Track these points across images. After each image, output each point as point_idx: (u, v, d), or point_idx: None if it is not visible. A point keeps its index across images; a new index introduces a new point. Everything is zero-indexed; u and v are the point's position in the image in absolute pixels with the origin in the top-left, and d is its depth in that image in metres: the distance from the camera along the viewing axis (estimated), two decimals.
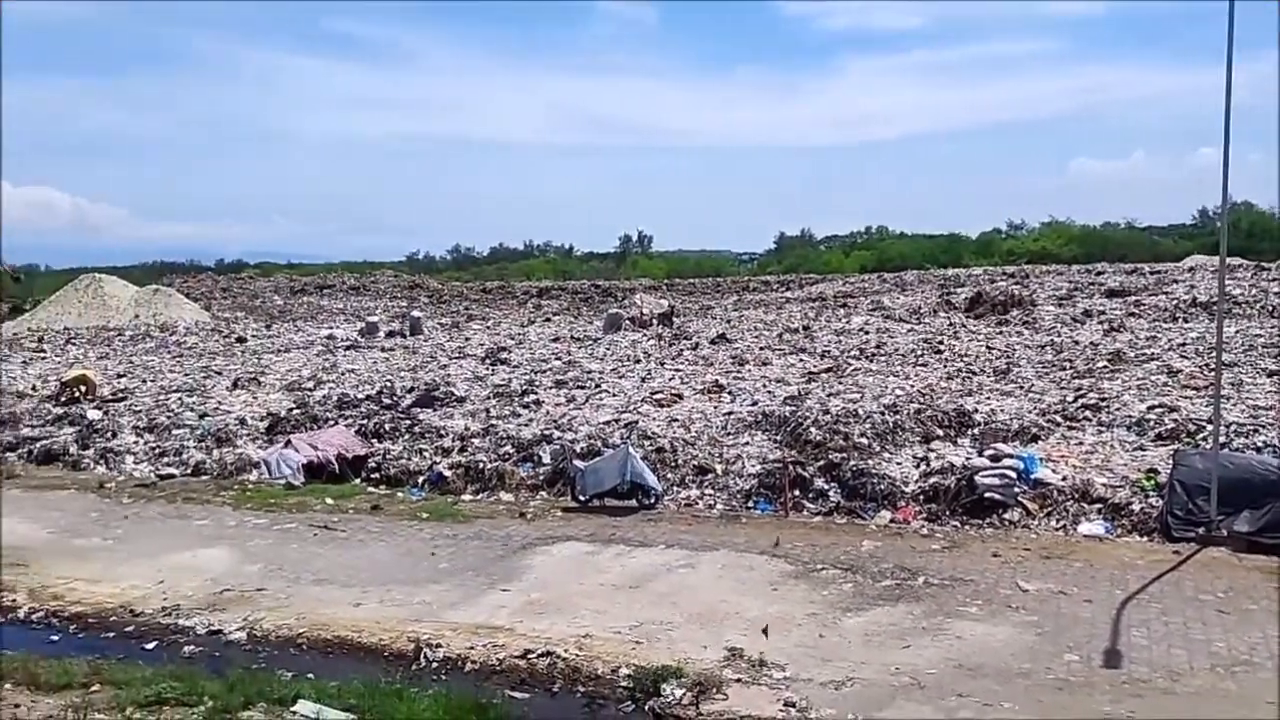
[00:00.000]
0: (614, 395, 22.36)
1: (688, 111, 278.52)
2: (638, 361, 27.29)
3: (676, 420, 19.49)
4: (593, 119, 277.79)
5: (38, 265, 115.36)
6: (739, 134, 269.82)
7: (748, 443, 18.04)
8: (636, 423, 19.28)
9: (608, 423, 19.69)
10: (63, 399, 26.05)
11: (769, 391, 21.45)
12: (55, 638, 11.99)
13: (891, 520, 14.86)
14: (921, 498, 15.27)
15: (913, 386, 20.86)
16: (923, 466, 16.22)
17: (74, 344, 43.16)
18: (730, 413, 19.78)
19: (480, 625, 11.23)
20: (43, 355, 38.94)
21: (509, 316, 49.11)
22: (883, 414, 18.20)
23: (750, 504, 15.93)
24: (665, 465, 17.21)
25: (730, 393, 21.73)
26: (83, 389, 26.31)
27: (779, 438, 17.94)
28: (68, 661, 10.21)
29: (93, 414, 23.80)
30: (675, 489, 16.68)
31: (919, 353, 25.49)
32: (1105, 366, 21.98)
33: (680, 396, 21.66)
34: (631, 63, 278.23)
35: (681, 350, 28.96)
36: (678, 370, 25.24)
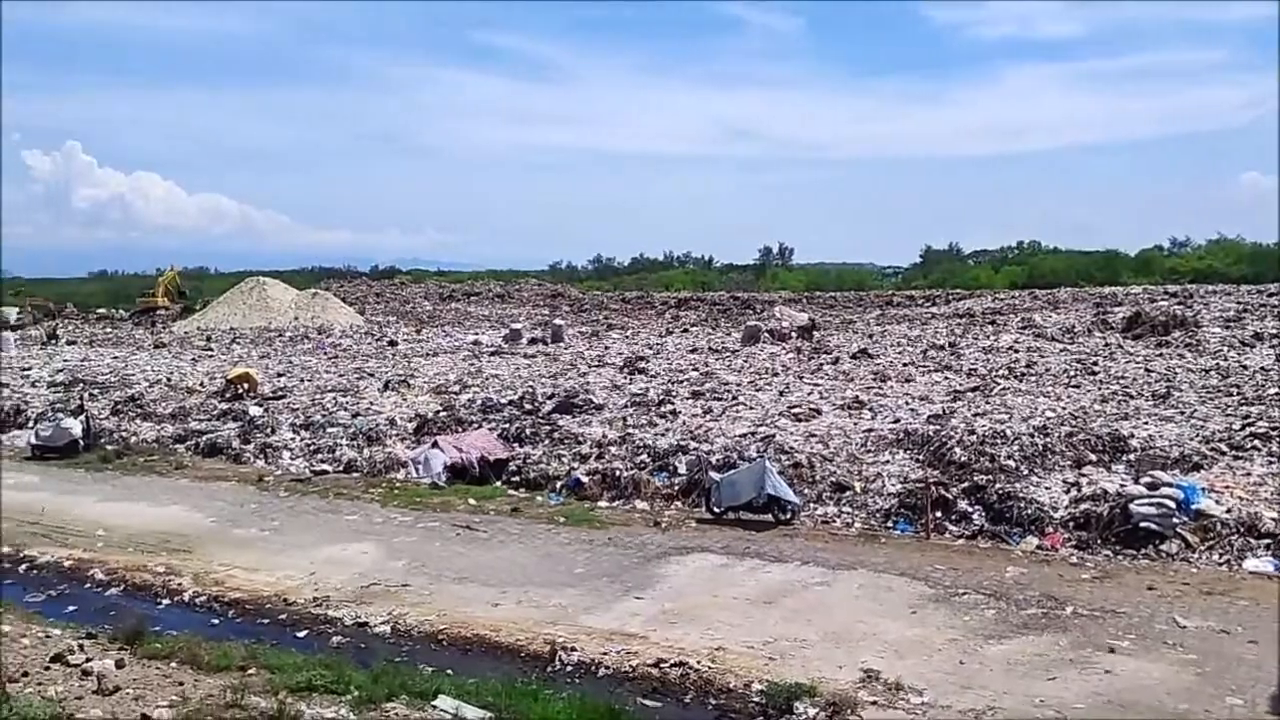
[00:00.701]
0: (751, 408, 22.25)
1: (833, 122, 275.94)
2: (776, 375, 27.09)
3: (815, 435, 19.26)
4: (736, 130, 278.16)
5: (207, 268, 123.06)
6: (886, 145, 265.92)
7: (888, 461, 17.68)
8: (774, 436, 19.13)
9: (744, 435, 19.60)
10: (227, 395, 27.54)
11: (912, 409, 20.97)
12: (216, 621, 12.70)
13: (1038, 546, 14.31)
14: (1071, 524, 14.65)
15: (1064, 408, 20.04)
16: (1073, 492, 15.56)
17: (238, 343, 45.63)
18: (870, 430, 19.42)
19: (614, 631, 11.34)
20: (210, 353, 41.31)
21: (647, 326, 49.51)
22: (1031, 436, 17.56)
23: (889, 524, 15.61)
24: (802, 481, 17.03)
25: (871, 409, 21.34)
26: (246, 386, 27.76)
27: (921, 457, 17.53)
28: (227, 645, 10.79)
29: (254, 410, 25.09)
30: (812, 505, 16.48)
31: (1071, 373, 24.48)
32: (1277, 394, 20.64)
33: (819, 411, 21.40)
34: (777, 74, 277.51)
35: (821, 364, 28.60)
36: (817, 385, 24.94)
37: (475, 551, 14.87)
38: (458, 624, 11.88)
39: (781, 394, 23.71)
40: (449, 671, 10.36)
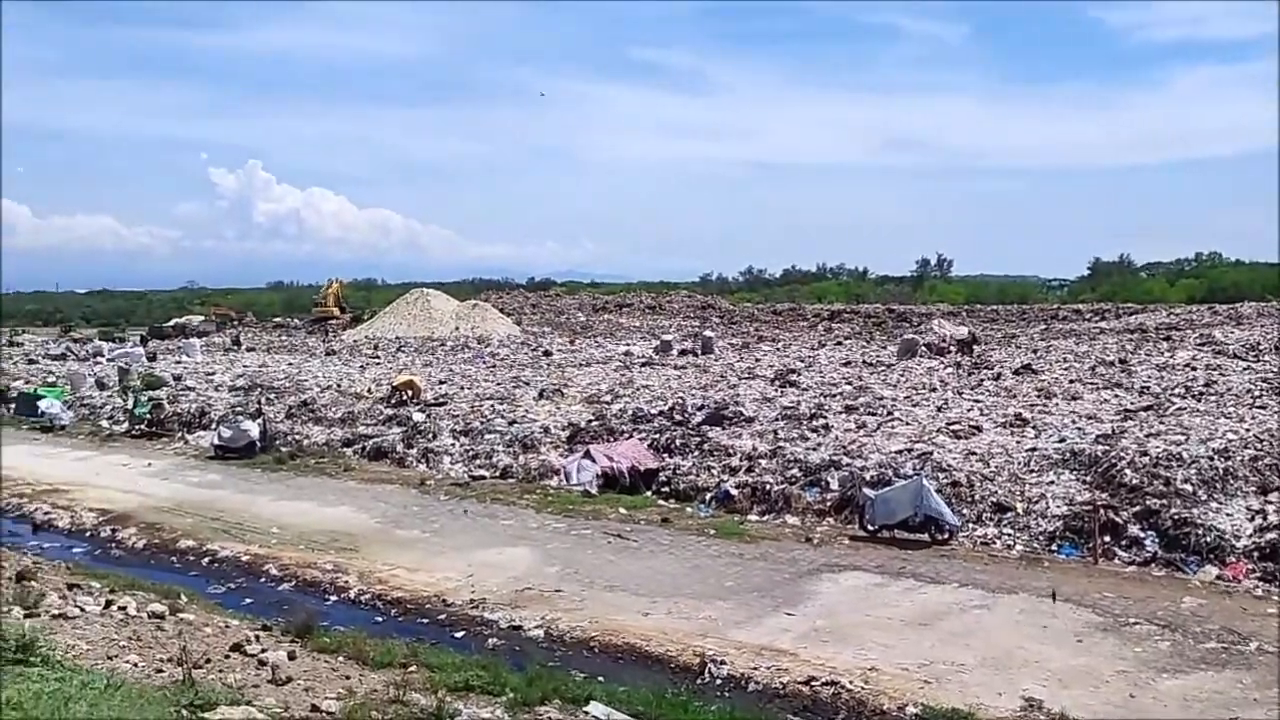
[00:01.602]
0: (907, 424, 21.72)
1: (997, 131, 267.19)
2: (933, 390, 26.37)
3: (974, 453, 18.64)
4: (893, 140, 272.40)
5: (375, 280, 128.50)
6: (1050, 153, 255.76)
7: (1053, 481, 16.95)
8: (931, 454, 18.61)
9: (899, 452, 19.14)
10: (393, 401, 28.67)
11: (1079, 428, 20.04)
12: (379, 619, 13.23)
13: (1218, 577, 13.44)
14: (1256, 554, 13.71)
15: (1248, 430, 18.76)
16: (1258, 520, 14.56)
17: (403, 352, 47.46)
18: (1034, 449, 18.66)
19: (764, 646, 11.25)
20: (377, 361, 43.12)
21: (799, 339, 48.99)
22: (1211, 459, 16.52)
23: (1053, 547, 14.96)
24: (960, 500, 16.51)
25: (1035, 427, 20.50)
26: (410, 393, 28.84)
27: (1089, 478, 16.73)
28: (390, 642, 11.23)
29: (417, 416, 26.03)
30: (970, 525, 15.95)
31: (1256, 393, 22.90)
32: None
33: (979, 429, 20.71)
34: (938, 82, 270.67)
35: (982, 380, 27.68)
36: (977, 401, 24.14)
37: (626, 560, 15.00)
38: (609, 631, 12.02)
39: (939, 410, 23.06)
40: (600, 678, 10.50)
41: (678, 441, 21.15)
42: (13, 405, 32.45)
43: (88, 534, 18.54)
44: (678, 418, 23.48)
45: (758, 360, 37.39)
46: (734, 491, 18.36)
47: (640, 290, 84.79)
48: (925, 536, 15.48)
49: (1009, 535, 15.52)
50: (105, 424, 29.67)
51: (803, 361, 35.75)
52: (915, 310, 61.84)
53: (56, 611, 11.38)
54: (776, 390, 27.54)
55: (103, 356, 47.22)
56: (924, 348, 36.31)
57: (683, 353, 41.15)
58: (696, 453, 20.54)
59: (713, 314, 65.36)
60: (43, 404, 30.81)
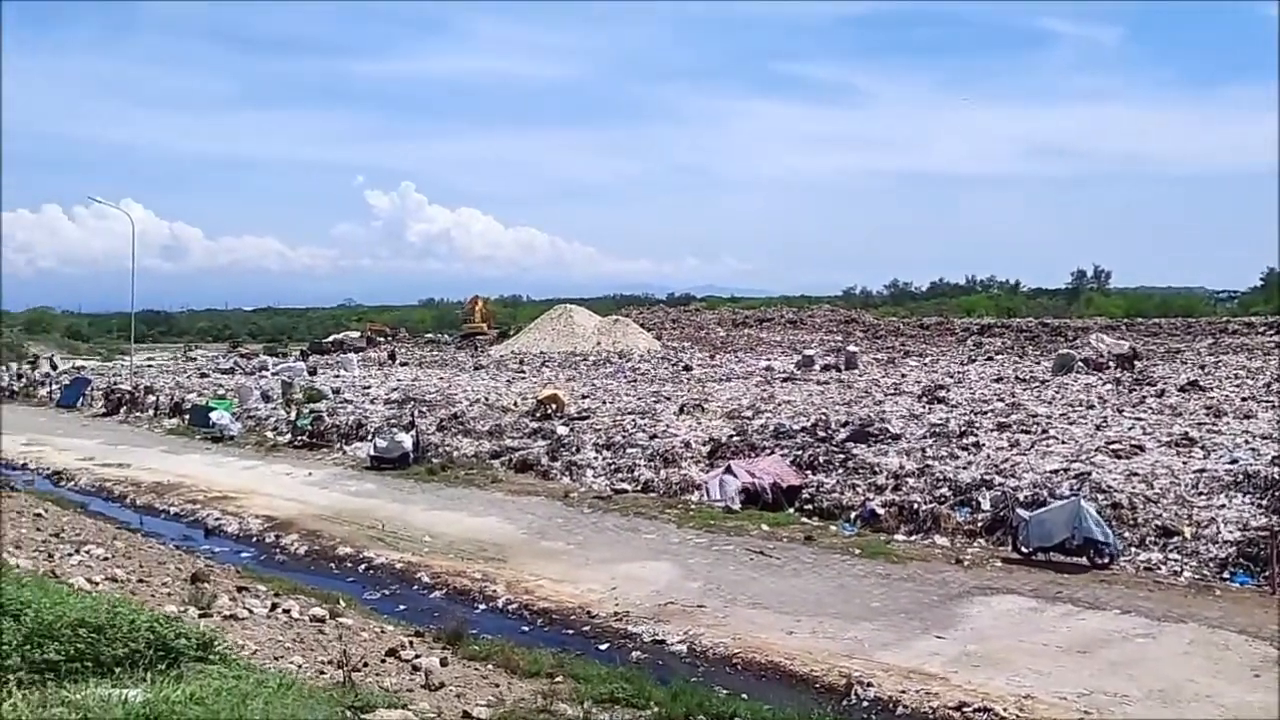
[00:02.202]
0: (1063, 442, 20.88)
1: (1159, 136, 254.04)
2: (1091, 407, 25.29)
3: (1136, 474, 17.77)
4: (1046, 148, 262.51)
5: (520, 296, 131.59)
6: (1219, 158, 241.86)
7: (1224, 505, 16.00)
8: (1089, 474, 17.83)
9: (1055, 471, 18.40)
10: (537, 415, 29.25)
11: (1253, 449, 18.87)
12: (526, 629, 13.49)
13: None
14: None
15: None
16: None
17: (547, 366, 48.40)
18: (1203, 470, 17.67)
19: (912, 670, 10.98)
20: (522, 375, 44.11)
21: (947, 354, 47.73)
22: None
23: (1226, 574, 14.10)
24: (1121, 523, 15.74)
25: (1204, 447, 19.41)
26: (554, 407, 29.37)
27: (1265, 502, 15.73)
28: (537, 652, 11.45)
29: (561, 430, 26.49)
30: (1133, 550, 15.19)
31: None
32: None
33: (1141, 448, 19.73)
34: (1094, 87, 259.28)
35: (1144, 397, 26.41)
36: (1139, 419, 23.02)
37: (768, 577, 14.89)
38: (752, 649, 11.94)
39: (1098, 428, 22.10)
40: (744, 695, 10.44)
41: (821, 458, 20.88)
42: (188, 416, 34.59)
43: (254, 539, 19.54)
44: (821, 434, 23.19)
45: (904, 376, 36.62)
46: (880, 510, 17.99)
47: (781, 305, 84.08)
48: (1084, 560, 14.82)
49: (1175, 561, 14.72)
50: (270, 435, 31.22)
51: (952, 377, 34.83)
52: (1071, 324, 59.30)
53: (228, 612, 12.08)
54: (924, 407, 26.91)
55: (267, 371, 49.77)
56: (1081, 363, 34.90)
57: (825, 368, 40.63)
58: (840, 470, 20.23)
59: (856, 328, 64.27)
60: (214, 415, 32.69)
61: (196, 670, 5.10)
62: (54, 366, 57.37)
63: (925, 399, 28.28)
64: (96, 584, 12.92)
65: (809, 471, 20.48)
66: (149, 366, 57.17)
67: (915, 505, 17.83)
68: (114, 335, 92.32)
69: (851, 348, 45.14)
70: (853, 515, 18.26)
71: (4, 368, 56.00)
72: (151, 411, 37.77)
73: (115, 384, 43.75)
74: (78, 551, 15.76)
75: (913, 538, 17.05)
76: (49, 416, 39.94)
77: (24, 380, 50.26)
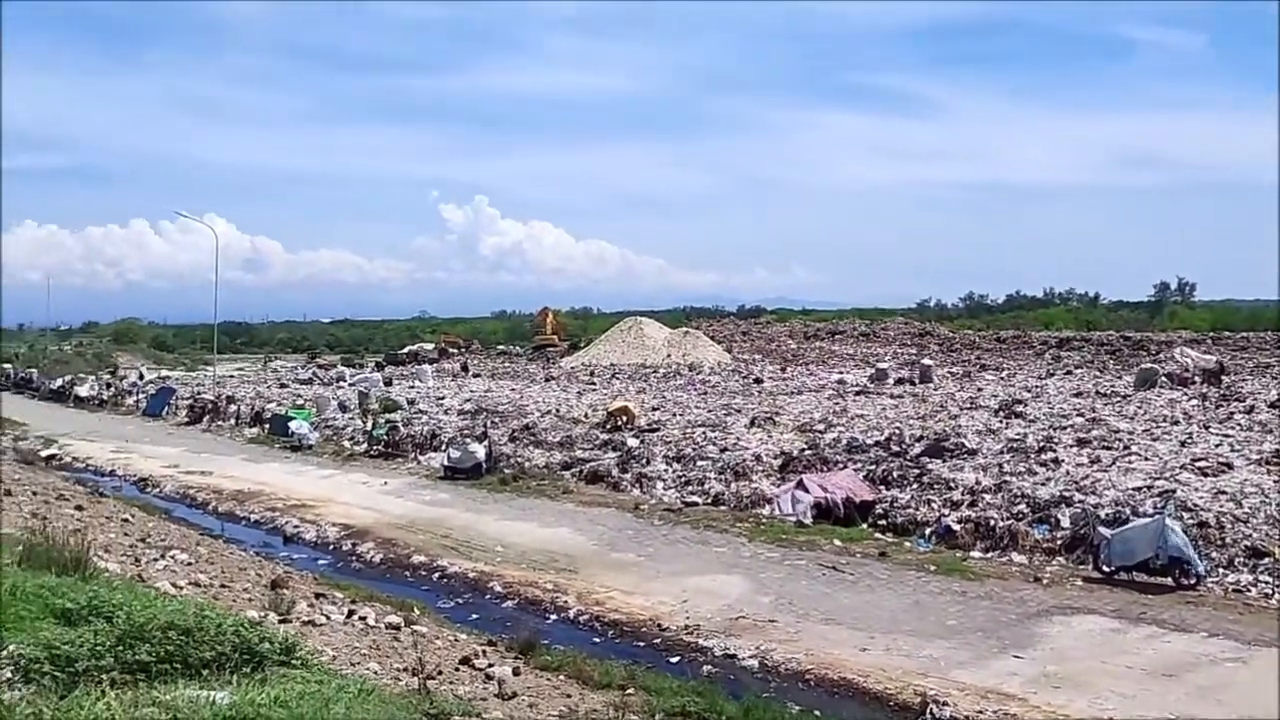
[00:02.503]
0: (1146, 459, 20.31)
1: (1238, 145, 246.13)
2: (1176, 423, 24.57)
3: (1224, 493, 17.21)
4: (1126, 157, 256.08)
5: (590, 308, 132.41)
6: None
7: None
8: (1174, 491, 17.32)
9: (1138, 489, 17.91)
10: (608, 427, 29.36)
11: None
12: (597, 640, 13.53)
13: None
14: None
15: None
16: None
17: (617, 378, 48.55)
18: None
19: (990, 689, 10.77)
20: (593, 387, 44.31)
21: (1025, 367, 46.76)
22: None
23: None
24: (1208, 543, 15.26)
25: None
26: (624, 419, 29.45)
27: None
28: (608, 663, 11.47)
29: (631, 442, 26.54)
30: (1220, 570, 14.71)
31: None
32: None
33: (1229, 466, 19.11)
34: (1177, 95, 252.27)
35: (1232, 413, 25.56)
36: (1226, 436, 22.30)
37: (841, 593, 14.73)
38: (824, 665, 11.82)
39: (1183, 445, 21.45)
40: (816, 712, 10.37)
41: (895, 473, 20.61)
42: (268, 425, 35.43)
43: (331, 547, 19.94)
44: (895, 448, 22.90)
45: (980, 390, 35.98)
46: (955, 526, 17.69)
47: (853, 317, 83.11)
48: (1168, 580, 14.39)
49: (1267, 583, 14.21)
50: (346, 444, 31.82)
51: (1029, 391, 34.12)
52: (1153, 338, 57.67)
53: (306, 618, 12.31)
54: (1001, 421, 26.41)
55: (344, 381, 50.72)
56: (1164, 378, 33.90)
57: (899, 381, 40.10)
58: (915, 485, 19.94)
59: (930, 341, 63.32)
60: (293, 425, 33.42)
61: (280, 674, 5.22)
62: (141, 376, 59.22)
63: (1002, 414, 27.74)
64: (181, 588, 13.26)
65: (882, 486, 20.23)
66: (231, 376, 58.68)
67: (992, 522, 17.50)
68: (197, 346, 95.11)
69: (926, 361, 44.46)
70: (927, 531, 17.99)
71: (94, 377, 58.11)
72: (233, 420, 38.77)
73: (199, 393, 45.04)
74: (163, 556, 16.21)
75: (989, 555, 16.73)
76: (136, 425, 41.24)
77: (112, 389, 51.94)
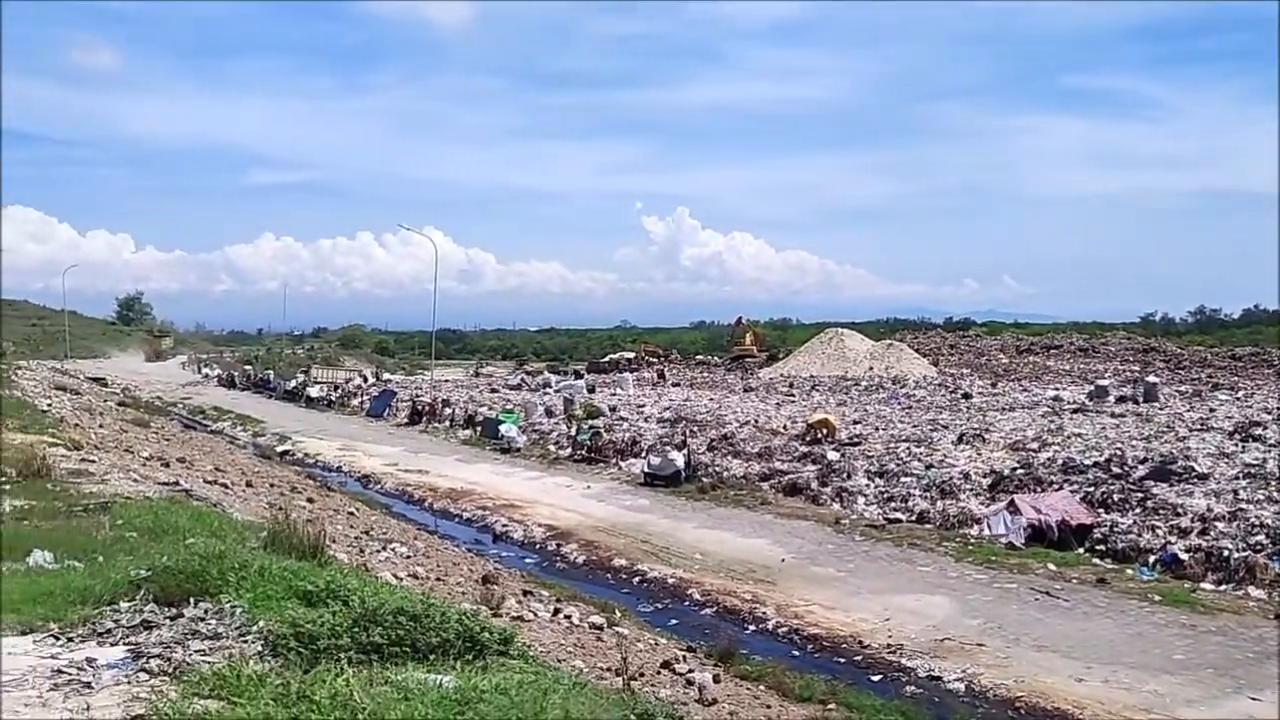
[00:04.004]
0: None
1: None
2: None
3: None
4: None
5: (789, 319, 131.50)
6: None
7: None
8: None
9: None
10: (808, 439, 29.04)
11: None
12: (795, 653, 13.43)
13: None
14: None
15: None
16: None
17: (817, 390, 47.96)
18: None
19: None
20: (792, 398, 43.95)
21: (1264, 387, 43.11)
22: None
23: None
24: None
25: None
26: (825, 431, 29.07)
27: None
28: (809, 677, 11.38)
29: (832, 455, 26.17)
30: None
31: None
32: None
33: None
34: None
35: None
36: None
37: (1055, 619, 14.04)
38: (1036, 693, 11.32)
39: None
40: None
41: (1115, 496, 19.45)
42: (479, 428, 37.06)
43: (536, 546, 20.65)
44: (1115, 470, 21.59)
45: (1212, 410, 33.40)
46: (1183, 555, 16.52)
47: (1070, 331, 78.93)
48: None
49: None
50: (552, 448, 32.86)
51: (1269, 413, 31.43)
52: None
53: (514, 614, 12.83)
54: (1236, 444, 24.44)
55: (550, 388, 52.39)
56: None
57: (1121, 399, 37.78)
58: (1138, 510, 18.75)
59: (1156, 358, 59.36)
60: (502, 428, 34.85)
61: (499, 663, 5.50)
62: (365, 379, 63.20)
63: (1238, 436, 25.65)
64: (400, 579, 14.08)
65: (1101, 510, 19.13)
66: (445, 381, 61.70)
67: (1225, 552, 16.24)
68: (415, 351, 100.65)
69: (1151, 378, 41.74)
70: (1151, 559, 16.88)
71: (304, 376, 63.09)
72: (447, 423, 40.75)
73: (417, 396, 47.58)
74: (384, 548, 17.25)
75: (1222, 587, 15.53)
76: (360, 424, 44.01)
77: (339, 391, 55.64)
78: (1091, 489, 20.06)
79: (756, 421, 34.05)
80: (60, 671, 5.40)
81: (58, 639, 6.01)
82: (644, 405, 41.00)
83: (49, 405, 32.98)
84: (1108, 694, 11.17)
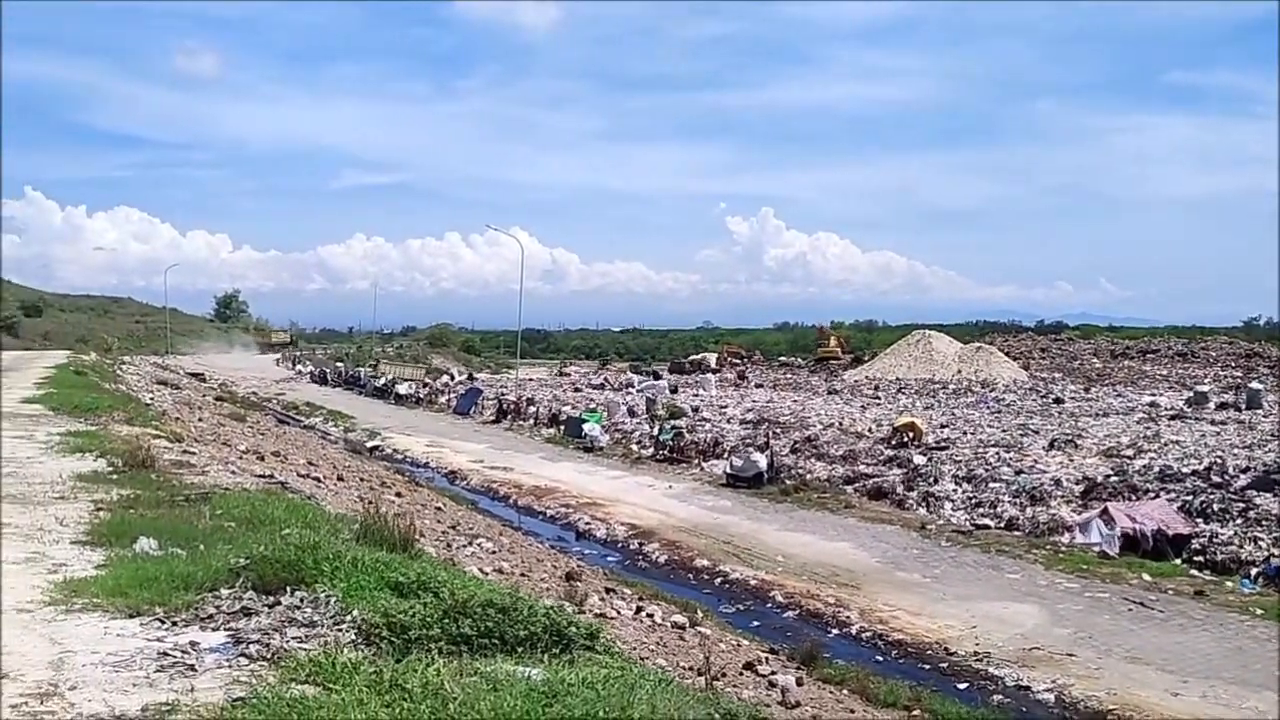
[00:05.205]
0: None
1: None
2: None
3: None
4: None
5: (875, 321, 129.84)
6: None
7: None
8: None
9: None
10: (893, 442, 28.69)
11: None
12: (879, 659, 13.29)
13: None
14: None
15: None
16: None
17: (903, 393, 47.35)
18: None
19: None
20: (877, 401, 43.45)
21: None
22: None
23: None
24: None
25: None
26: (911, 435, 28.67)
27: None
28: (893, 683, 11.25)
29: (918, 459, 25.80)
30: None
31: None
32: None
33: None
34: None
35: None
36: None
37: (1149, 631, 13.65)
38: (1129, 706, 11.03)
39: None
40: None
41: (1215, 506, 18.82)
42: (563, 426, 37.43)
43: (619, 545, 20.77)
44: (1215, 479, 20.91)
45: None
46: None
47: (1168, 335, 76.44)
48: None
49: None
50: (634, 448, 33.00)
51: None
52: None
53: (597, 611, 12.94)
54: None
55: (632, 388, 52.65)
56: None
57: (1222, 406, 36.53)
58: (1239, 520, 18.12)
59: (1260, 363, 57.19)
60: (586, 427, 35.12)
61: (585, 658, 5.58)
62: (452, 377, 64.26)
63: None
64: (486, 574, 14.31)
65: (1199, 520, 18.52)
66: (530, 380, 62.40)
67: None
68: (501, 350, 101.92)
69: (1255, 384, 40.22)
70: (1254, 572, 16.27)
71: (371, 370, 64.98)
72: (532, 421, 41.21)
73: (502, 394, 48.25)
74: (470, 543, 17.54)
75: None
76: (447, 422, 44.76)
77: (428, 388, 56.67)
78: (1190, 498, 19.45)
79: (841, 424, 33.77)
80: (165, 654, 5.65)
81: (163, 622, 6.28)
82: (726, 406, 40.93)
83: (151, 399, 34.23)
84: (1205, 709, 10.83)
